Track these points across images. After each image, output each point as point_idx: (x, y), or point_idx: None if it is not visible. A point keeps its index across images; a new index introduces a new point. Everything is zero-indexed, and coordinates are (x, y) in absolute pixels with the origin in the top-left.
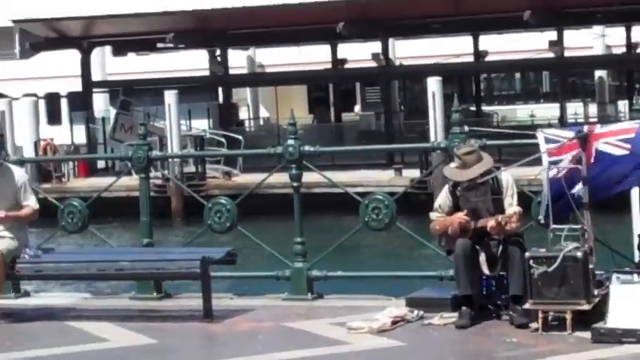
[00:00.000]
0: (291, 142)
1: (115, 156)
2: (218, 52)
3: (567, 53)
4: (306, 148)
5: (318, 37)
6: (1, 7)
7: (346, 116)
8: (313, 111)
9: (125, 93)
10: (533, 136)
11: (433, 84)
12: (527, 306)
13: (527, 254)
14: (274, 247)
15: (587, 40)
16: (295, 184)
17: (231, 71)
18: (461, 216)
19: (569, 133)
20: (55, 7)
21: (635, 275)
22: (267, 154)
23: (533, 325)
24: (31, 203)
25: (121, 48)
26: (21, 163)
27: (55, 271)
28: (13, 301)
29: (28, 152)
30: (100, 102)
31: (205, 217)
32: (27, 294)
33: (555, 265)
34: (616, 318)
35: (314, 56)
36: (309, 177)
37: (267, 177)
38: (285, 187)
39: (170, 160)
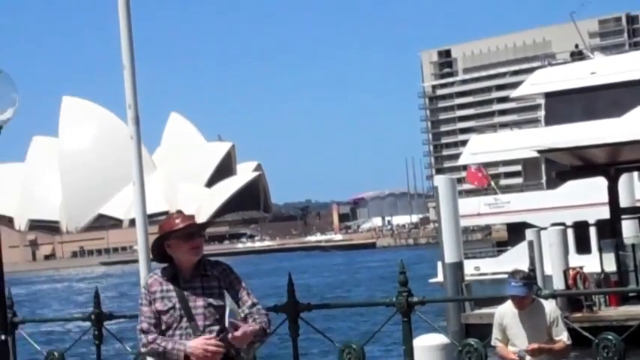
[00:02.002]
0: None
1: None
2: None
3: None
4: None
5: None
6: (526, 138)
7: None
8: None
9: None
10: None
11: None
12: None
13: None
14: None
15: None
16: None
17: None
18: None
19: None
20: (580, 136)
21: None
22: None
23: None
24: (563, 338)
25: None
26: (552, 297)
27: None
28: None
29: (557, 282)
30: (629, 228)
31: None
32: None
33: None
34: None
35: None
36: None
37: None
38: None
39: None
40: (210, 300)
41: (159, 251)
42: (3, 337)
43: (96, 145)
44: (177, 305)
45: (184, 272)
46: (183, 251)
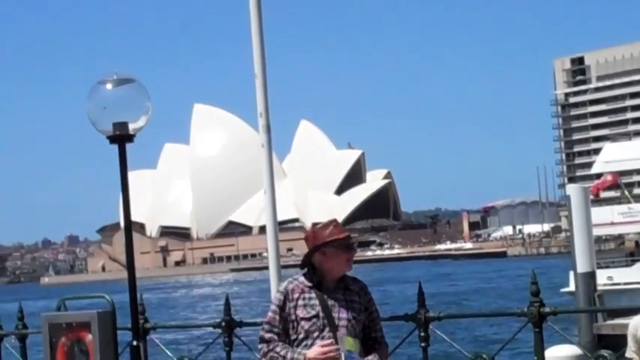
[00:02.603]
0: None
1: None
2: None
3: None
4: None
5: None
6: None
7: None
8: None
9: None
10: None
11: None
12: None
13: None
14: None
15: None
16: None
17: None
18: None
19: None
20: None
21: None
22: None
23: None
24: None
25: None
26: None
27: None
28: None
29: None
30: None
31: None
32: None
33: None
34: None
35: None
36: None
37: None
38: None
39: None
40: (354, 314)
41: (306, 258)
42: (135, 342)
43: (226, 152)
44: (321, 314)
45: (329, 283)
46: (338, 262)
